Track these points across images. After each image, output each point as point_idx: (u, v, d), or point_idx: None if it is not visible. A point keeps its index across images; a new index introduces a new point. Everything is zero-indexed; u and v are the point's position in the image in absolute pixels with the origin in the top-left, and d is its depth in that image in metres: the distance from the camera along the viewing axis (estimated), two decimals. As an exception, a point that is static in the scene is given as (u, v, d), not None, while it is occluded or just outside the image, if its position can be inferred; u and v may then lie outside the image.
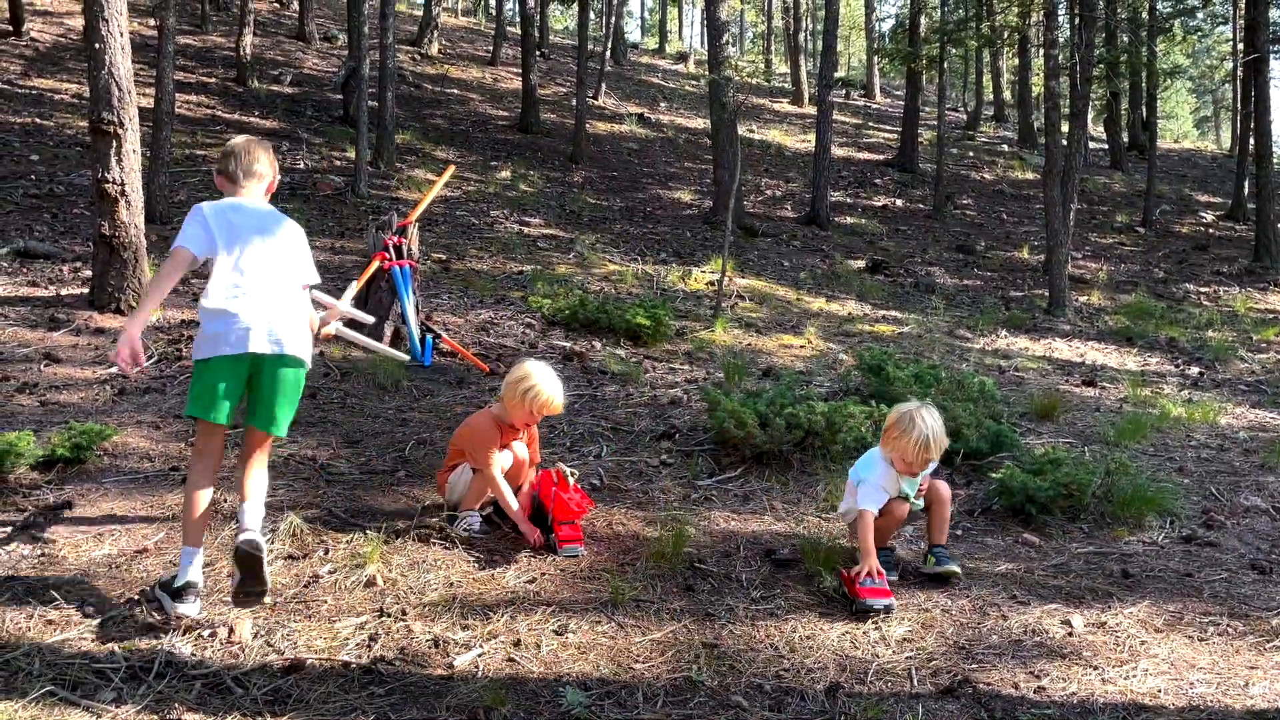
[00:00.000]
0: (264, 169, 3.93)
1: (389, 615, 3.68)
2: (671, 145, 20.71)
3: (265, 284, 3.68)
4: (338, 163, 14.01)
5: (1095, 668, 3.59)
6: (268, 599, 3.64)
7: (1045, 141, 13.39)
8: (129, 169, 7.29)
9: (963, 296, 13.18)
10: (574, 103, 18.68)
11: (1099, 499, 5.37)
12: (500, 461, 4.37)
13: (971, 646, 3.73)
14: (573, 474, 4.47)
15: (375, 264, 7.23)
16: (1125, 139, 25.69)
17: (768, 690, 3.37)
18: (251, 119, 15.74)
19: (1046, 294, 12.86)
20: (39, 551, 3.95)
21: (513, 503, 4.39)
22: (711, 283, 11.41)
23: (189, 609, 3.52)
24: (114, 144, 7.20)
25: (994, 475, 5.34)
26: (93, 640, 3.38)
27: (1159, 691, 3.43)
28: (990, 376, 8.63)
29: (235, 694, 3.14)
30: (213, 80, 17.58)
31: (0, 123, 12.97)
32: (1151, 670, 3.58)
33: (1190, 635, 3.88)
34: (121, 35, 7.24)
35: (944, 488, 4.46)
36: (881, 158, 22.68)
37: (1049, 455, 5.44)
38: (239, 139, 3.99)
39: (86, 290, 7.52)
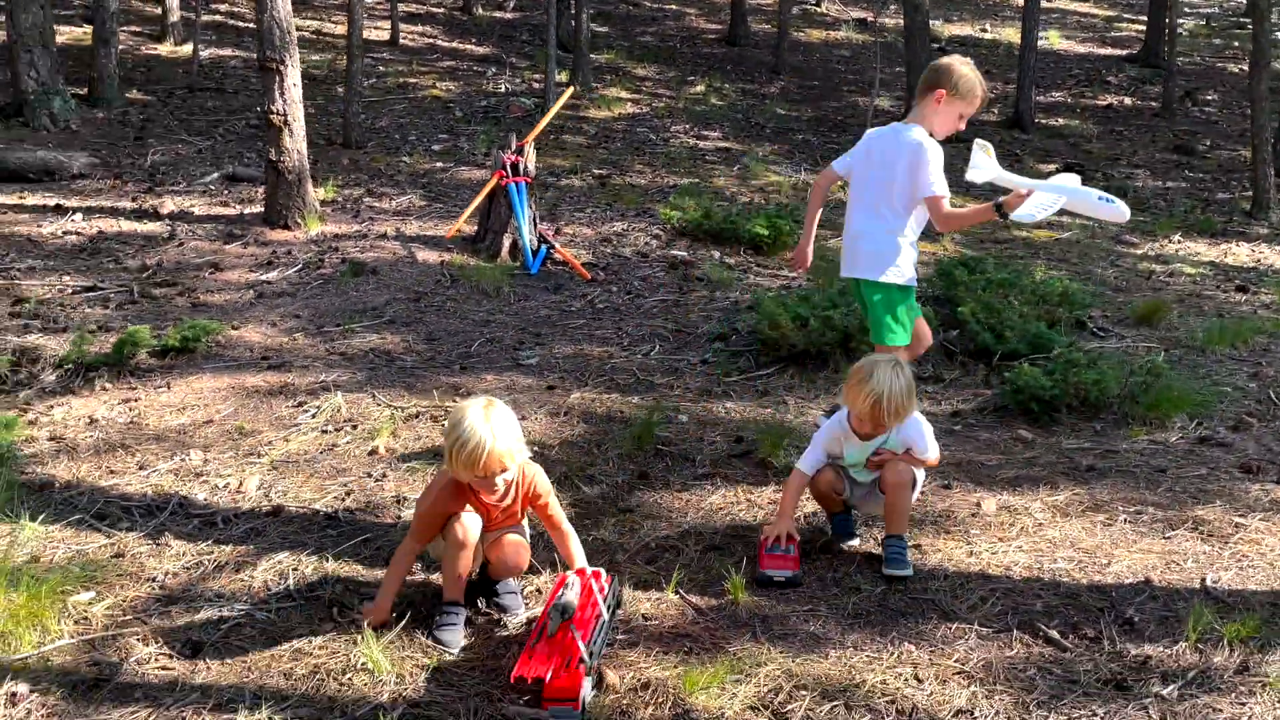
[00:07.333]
0: (930, 81, 4.25)
1: (372, 477, 4.41)
2: (891, 50, 20.27)
3: (853, 208, 4.43)
4: (536, 85, 14.83)
5: (969, 543, 3.85)
6: None
7: (1251, 28, 12.38)
8: (291, 101, 8.30)
9: (1159, 200, 12.51)
10: (790, 11, 18.68)
11: (1126, 399, 5.39)
12: (467, 528, 3.29)
13: (875, 521, 4.04)
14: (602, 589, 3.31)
15: (494, 181, 7.96)
16: None
17: (652, 546, 3.86)
18: (467, 46, 16.83)
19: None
20: (129, 419, 4.94)
21: (391, 587, 3.36)
22: (873, 191, 11.44)
23: None
24: (277, 79, 8.23)
25: (1007, 375, 5.47)
26: (137, 485, 4.29)
27: (1013, 564, 3.68)
28: (1128, 279, 8.48)
29: (219, 529, 3.96)
30: (440, 10, 18.82)
31: (228, 57, 14.56)
32: (1025, 547, 3.81)
33: (1096, 521, 4.03)
34: (282, -18, 8.21)
35: (900, 471, 3.69)
36: (1125, 52, 21.27)
37: (1067, 356, 5.49)
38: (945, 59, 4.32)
39: (263, 209, 8.66)
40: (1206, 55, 21.84)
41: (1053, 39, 21.48)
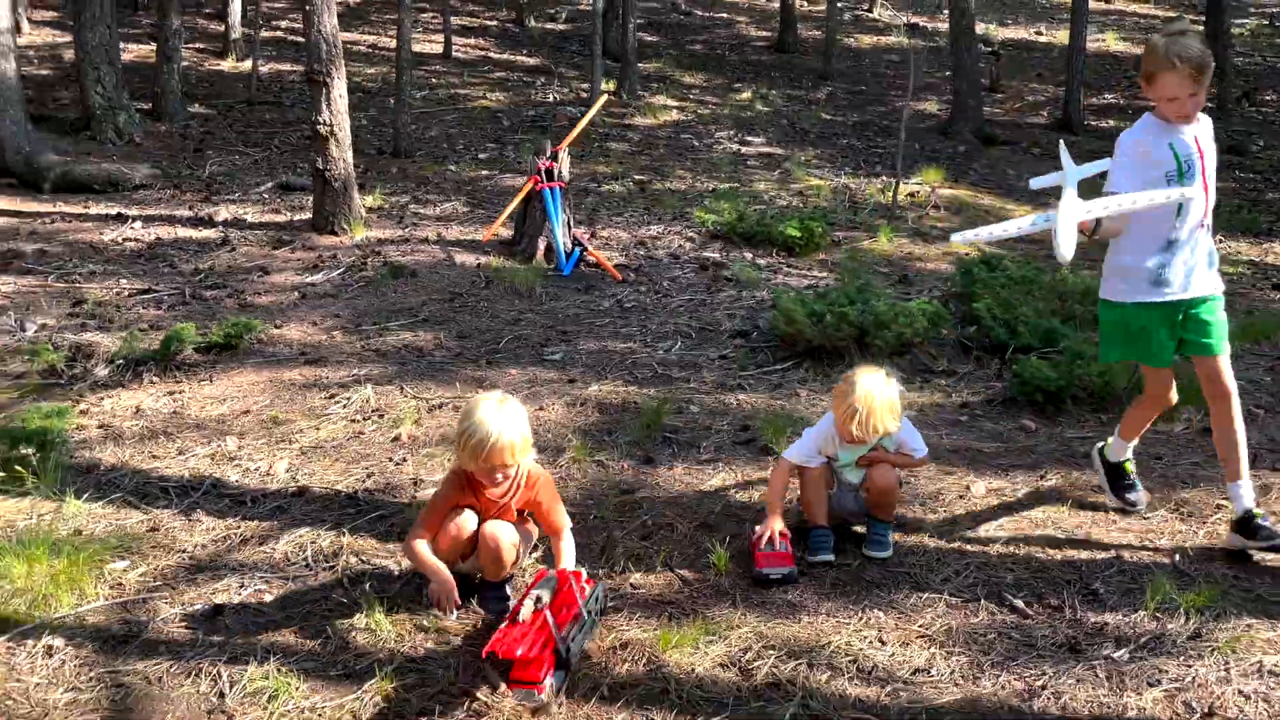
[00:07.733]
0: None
1: (393, 461, 4.68)
2: (940, 54, 20.31)
3: None
4: (583, 94, 15.12)
5: (952, 520, 4.01)
6: None
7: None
8: (337, 112, 8.66)
9: (1205, 200, 12.44)
10: (841, 17, 18.84)
11: (1133, 390, 5.47)
12: (460, 523, 3.43)
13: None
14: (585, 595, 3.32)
15: (529, 186, 8.24)
16: None
17: (648, 524, 4.08)
18: (519, 57, 17.20)
19: (1302, 194, 11.95)
20: (172, 409, 5.27)
21: (437, 566, 3.43)
22: (912, 194, 11.56)
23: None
24: (324, 91, 8.59)
25: (1015, 368, 5.60)
26: (175, 468, 4.60)
27: (991, 541, 3.83)
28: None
29: (247, 507, 4.25)
30: (494, 23, 19.23)
31: (286, 71, 15.03)
32: (1007, 526, 3.96)
33: (1076, 501, 4.16)
34: (328, -2, 8.58)
35: (888, 475, 3.78)
36: (1183, 53, 21.04)
37: (1074, 349, 5.60)
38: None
39: (311, 216, 9.03)
40: (1268, 55, 21.54)
41: (1109, 40, 21.32)
